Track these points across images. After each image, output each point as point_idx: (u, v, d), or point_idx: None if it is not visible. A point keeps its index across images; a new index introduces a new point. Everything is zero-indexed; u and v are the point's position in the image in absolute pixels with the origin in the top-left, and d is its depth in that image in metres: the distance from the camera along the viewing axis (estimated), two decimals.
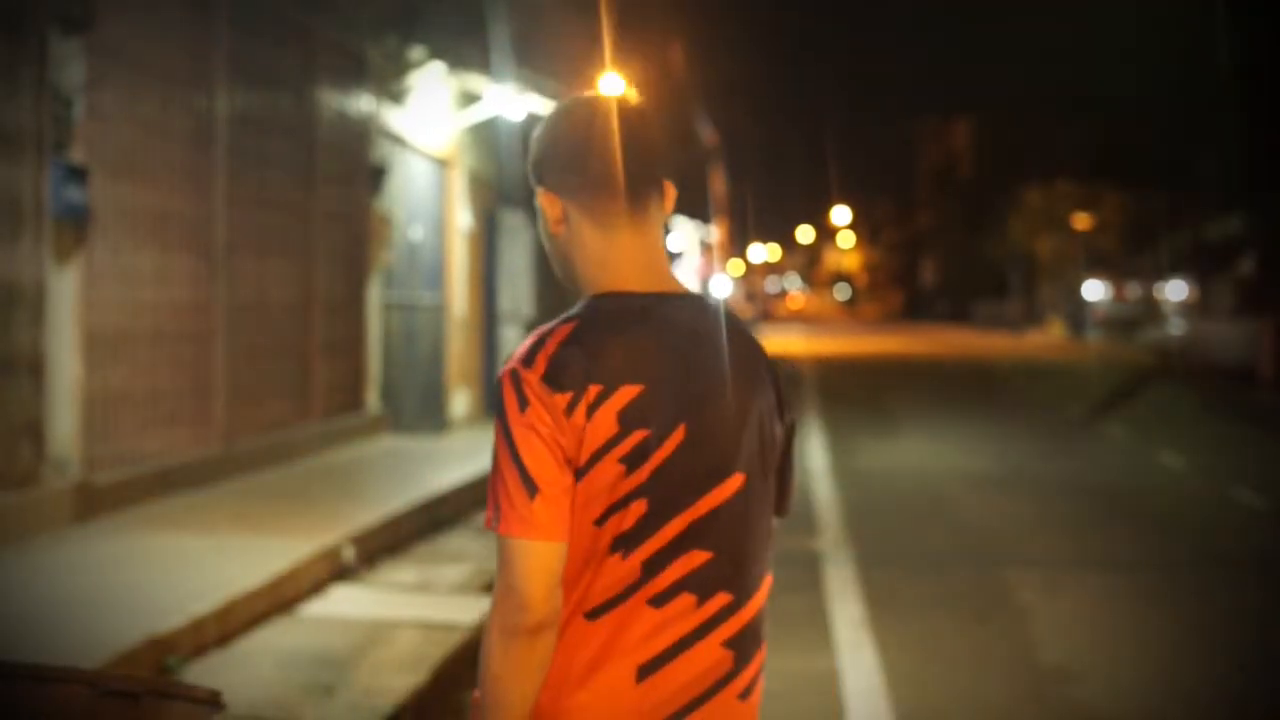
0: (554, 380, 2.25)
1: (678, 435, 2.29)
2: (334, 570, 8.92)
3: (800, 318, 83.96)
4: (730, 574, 2.34)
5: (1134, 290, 58.65)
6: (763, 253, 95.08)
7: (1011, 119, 69.37)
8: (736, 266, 75.84)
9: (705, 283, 51.89)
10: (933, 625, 8.58)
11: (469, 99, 18.43)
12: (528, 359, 2.28)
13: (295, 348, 13.13)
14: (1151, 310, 53.79)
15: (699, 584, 2.31)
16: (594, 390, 2.25)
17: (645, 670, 2.28)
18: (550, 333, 2.31)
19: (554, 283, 24.30)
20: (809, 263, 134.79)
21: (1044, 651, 7.97)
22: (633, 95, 2.51)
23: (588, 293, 2.42)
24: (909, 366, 37.06)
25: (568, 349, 2.27)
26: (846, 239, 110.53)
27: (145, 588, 7.56)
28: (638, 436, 2.26)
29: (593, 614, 2.28)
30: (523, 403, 2.26)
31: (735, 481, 2.35)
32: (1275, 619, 9.00)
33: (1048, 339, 54.80)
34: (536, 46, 20.66)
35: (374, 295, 15.29)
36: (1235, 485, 14.45)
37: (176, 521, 9.59)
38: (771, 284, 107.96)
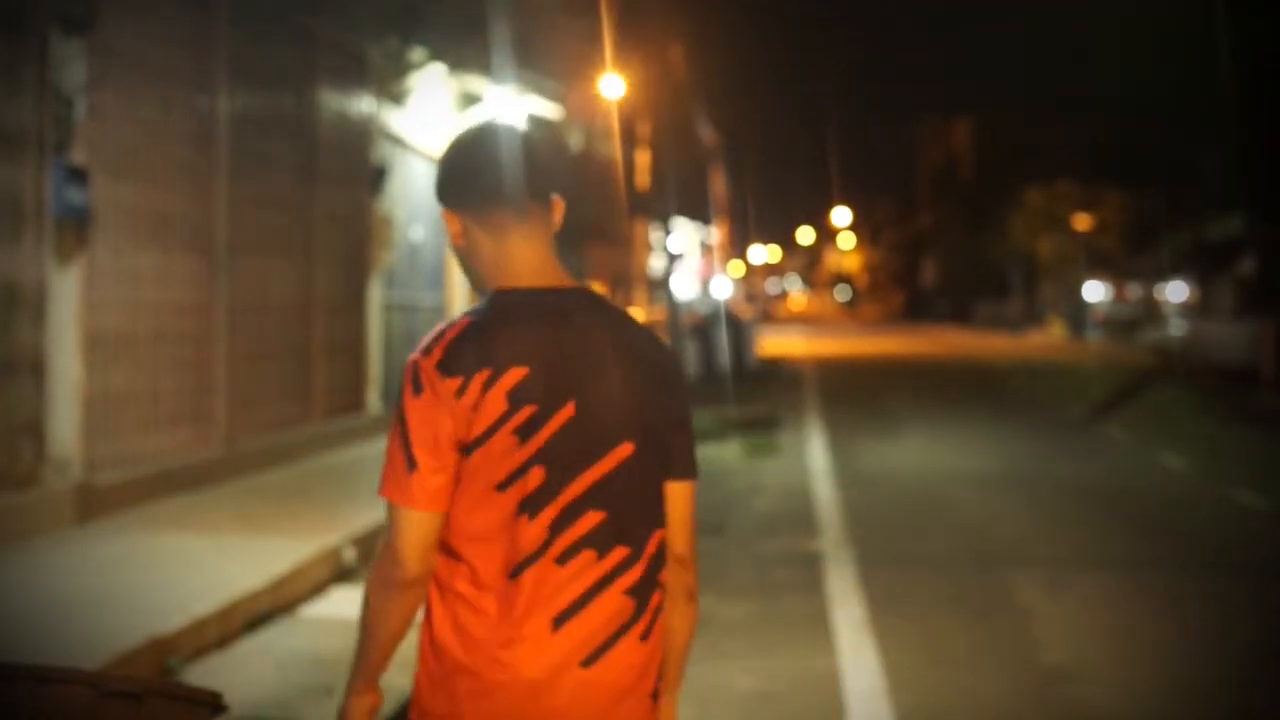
0: (446, 367, 2.59)
1: (567, 410, 2.63)
2: (335, 571, 8.92)
3: (801, 319, 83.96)
4: (625, 531, 2.67)
5: (1134, 291, 58.69)
6: (763, 254, 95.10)
7: (1012, 119, 69.40)
8: (737, 268, 75.84)
9: (705, 284, 51.89)
10: (934, 626, 8.57)
11: (470, 100, 18.45)
12: (426, 349, 2.63)
13: (296, 348, 13.13)
14: (1152, 311, 53.81)
15: (598, 541, 2.64)
16: (483, 374, 2.59)
17: (560, 620, 2.62)
18: (448, 326, 2.67)
19: None
20: (810, 264, 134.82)
21: (1045, 651, 7.97)
22: (530, 118, 2.86)
23: (487, 291, 2.77)
24: (910, 367, 37.06)
25: (461, 339, 2.62)
26: (847, 240, 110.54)
27: (146, 588, 7.56)
28: (527, 411, 2.60)
29: (514, 574, 2.61)
30: (417, 388, 2.61)
31: (625, 449, 2.69)
32: (1277, 619, 9.00)
33: (1048, 339, 54.80)
34: (537, 48, 20.67)
35: (375, 296, 15.29)
36: (1236, 486, 14.44)
37: (177, 522, 9.59)
38: (772, 285, 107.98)
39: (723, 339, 31.19)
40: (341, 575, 8.99)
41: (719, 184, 55.10)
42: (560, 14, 23.84)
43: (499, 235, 2.78)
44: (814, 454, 17.34)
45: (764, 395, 26.51)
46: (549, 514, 2.62)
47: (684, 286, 36.75)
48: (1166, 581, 9.98)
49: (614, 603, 2.67)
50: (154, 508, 10.07)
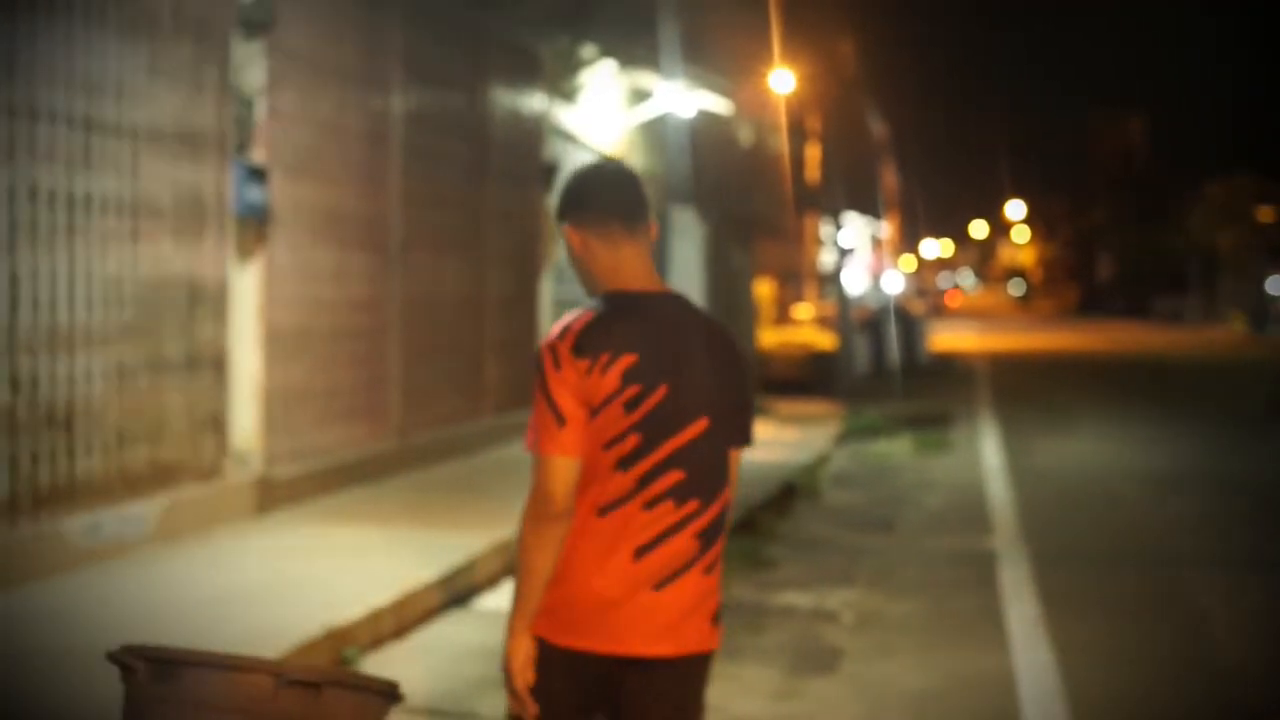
0: (578, 350, 3.28)
1: (662, 390, 3.32)
2: (507, 564, 9.00)
3: (973, 314, 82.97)
4: (698, 487, 3.38)
5: None
6: (935, 248, 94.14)
7: (1189, 111, 67.89)
8: (908, 262, 75.15)
9: (876, 279, 51.51)
10: (1109, 626, 8.43)
11: (639, 96, 18.51)
12: (560, 336, 3.31)
13: (468, 344, 13.28)
14: None
15: (676, 494, 3.35)
16: (604, 357, 3.27)
17: (640, 551, 3.32)
18: (575, 320, 3.33)
19: (725, 279, 24.35)
20: (983, 258, 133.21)
21: (1223, 655, 7.80)
22: (622, 158, 3.54)
23: (601, 293, 3.43)
24: (1084, 363, 36.43)
25: (587, 329, 3.30)
26: (1021, 234, 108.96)
27: (323, 579, 7.70)
28: (634, 390, 3.29)
29: (602, 512, 3.32)
30: (557, 363, 3.29)
31: (702, 424, 3.38)
32: None
33: (1228, 335, 53.51)
34: (706, 43, 20.68)
35: (545, 292, 15.41)
36: None
37: (353, 514, 9.76)
38: (944, 279, 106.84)
39: (892, 334, 30.95)
40: (514, 568, 9.07)
41: (889, 178, 54.67)
42: (730, 9, 23.81)
43: (614, 247, 3.43)
44: (986, 450, 17.14)
45: (935, 391, 26.25)
46: (639, 469, 3.32)
47: (854, 281, 36.53)
48: None
49: (685, 543, 3.36)
50: (330, 500, 10.26)
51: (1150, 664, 7.57)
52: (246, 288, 9.62)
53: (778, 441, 17.26)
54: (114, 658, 2.98)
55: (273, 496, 9.69)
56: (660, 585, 3.34)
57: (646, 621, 3.33)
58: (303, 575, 7.80)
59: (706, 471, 3.40)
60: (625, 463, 3.31)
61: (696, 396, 3.38)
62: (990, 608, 8.84)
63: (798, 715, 6.69)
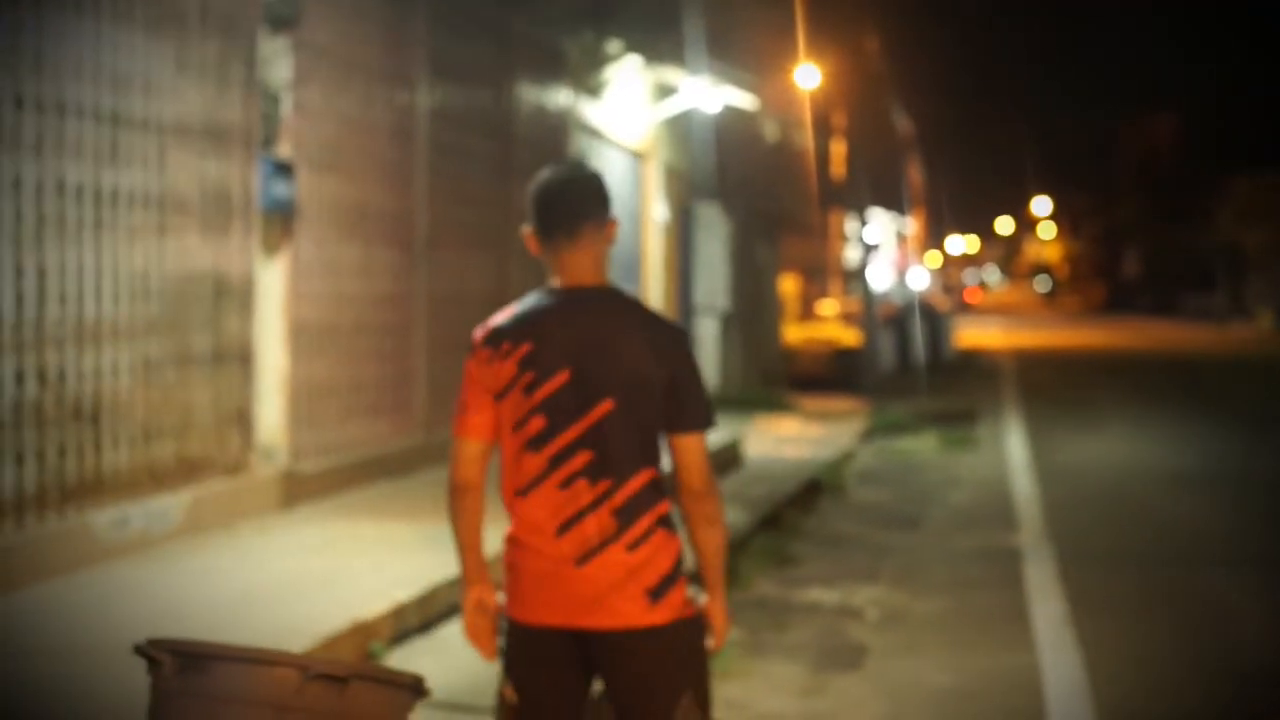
0: (485, 341, 3.66)
1: (563, 375, 3.58)
2: None
3: (999, 310, 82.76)
4: (610, 467, 3.58)
5: None
6: (961, 244, 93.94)
7: (1217, 108, 67.61)
8: (934, 258, 75.00)
9: (901, 275, 51.42)
10: (1136, 625, 8.40)
11: (664, 92, 18.51)
12: (481, 327, 3.70)
13: None
14: None
15: (589, 473, 3.57)
16: (505, 345, 3.61)
17: (561, 529, 3.59)
18: (500, 313, 3.69)
19: (750, 275, 24.34)
20: (1008, 254, 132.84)
21: (1252, 655, 7.77)
22: (580, 164, 3.89)
23: (540, 288, 3.73)
24: (1110, 360, 36.31)
25: (500, 323, 3.66)
26: (1047, 230, 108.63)
27: (349, 573, 7.72)
28: (529, 375, 3.59)
29: (522, 493, 3.64)
30: (471, 352, 3.67)
31: (606, 406, 3.58)
32: None
33: (1256, 333, 53.27)
34: (731, 39, 20.66)
35: None
36: None
37: (378, 509, 9.78)
38: (970, 276, 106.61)
39: (917, 331, 30.88)
40: None
41: (915, 173, 54.57)
42: (755, 5, 23.79)
43: (557, 251, 3.69)
44: (1012, 447, 17.11)
45: (961, 387, 26.21)
46: (549, 450, 3.59)
47: (879, 277, 36.47)
48: None
49: (602, 520, 3.57)
50: (355, 495, 10.28)
51: (1177, 664, 7.54)
52: (272, 282, 9.64)
53: (803, 438, 17.24)
54: (140, 651, 2.99)
55: (298, 491, 9.72)
56: (581, 561, 3.56)
57: (574, 595, 3.56)
58: (328, 570, 7.81)
59: (618, 452, 3.59)
60: (534, 444, 3.60)
61: (603, 381, 3.59)
62: (1016, 606, 8.82)
63: (822, 712, 6.68)
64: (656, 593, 3.60)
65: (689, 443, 3.66)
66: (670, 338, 3.68)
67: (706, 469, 3.68)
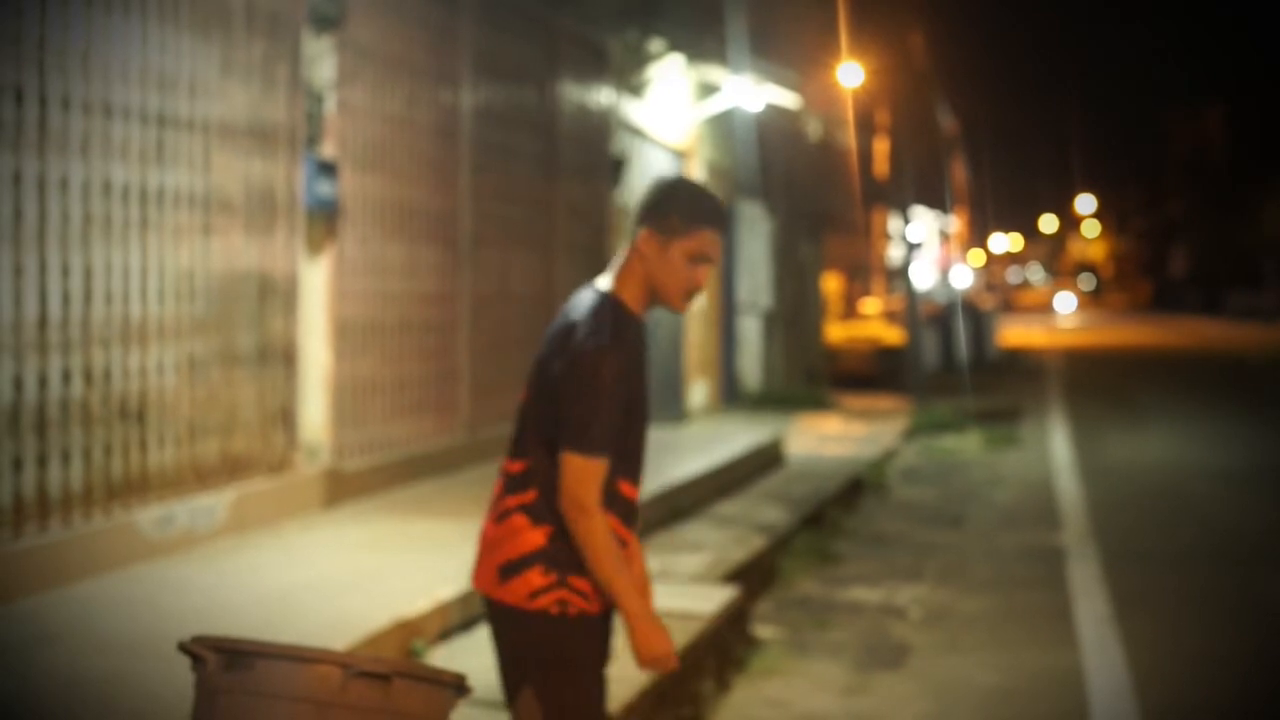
0: None
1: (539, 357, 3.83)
2: None
3: (1043, 308, 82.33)
4: (513, 443, 3.82)
5: None
6: (1005, 242, 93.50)
7: (1269, 102, 67.06)
8: (977, 256, 74.72)
9: (945, 273, 51.24)
10: (1181, 624, 8.37)
11: (707, 90, 18.50)
12: None
13: (536, 338, 13.28)
14: None
15: (509, 447, 3.84)
16: None
17: (491, 518, 3.81)
18: None
19: (793, 273, 24.30)
20: (1052, 252, 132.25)
21: None
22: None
23: None
24: (1156, 358, 36.11)
25: None
26: (1092, 228, 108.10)
27: (392, 571, 7.75)
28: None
29: None
30: None
31: (526, 392, 3.82)
32: None
33: None
34: (774, 37, 20.63)
35: None
36: None
37: (421, 507, 9.81)
38: (1014, 274, 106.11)
39: (960, 329, 30.77)
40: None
41: (959, 172, 54.36)
42: (798, 3, 23.76)
43: None
44: (1056, 446, 17.04)
45: (1004, 386, 26.12)
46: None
47: (923, 276, 36.31)
48: None
49: (498, 487, 3.81)
50: (398, 493, 10.31)
51: (1221, 664, 7.50)
52: (316, 281, 9.68)
53: (845, 436, 17.22)
54: (185, 648, 3.02)
55: (341, 489, 9.76)
56: (490, 521, 3.80)
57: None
58: (371, 568, 7.84)
59: (521, 435, 3.79)
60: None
61: (534, 369, 3.84)
62: (1059, 605, 8.80)
63: (865, 711, 6.68)
64: (504, 571, 3.70)
65: (561, 458, 3.66)
66: (570, 355, 3.71)
67: (571, 491, 3.63)
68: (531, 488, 3.72)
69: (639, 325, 3.87)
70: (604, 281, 3.82)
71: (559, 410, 3.66)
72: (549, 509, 3.69)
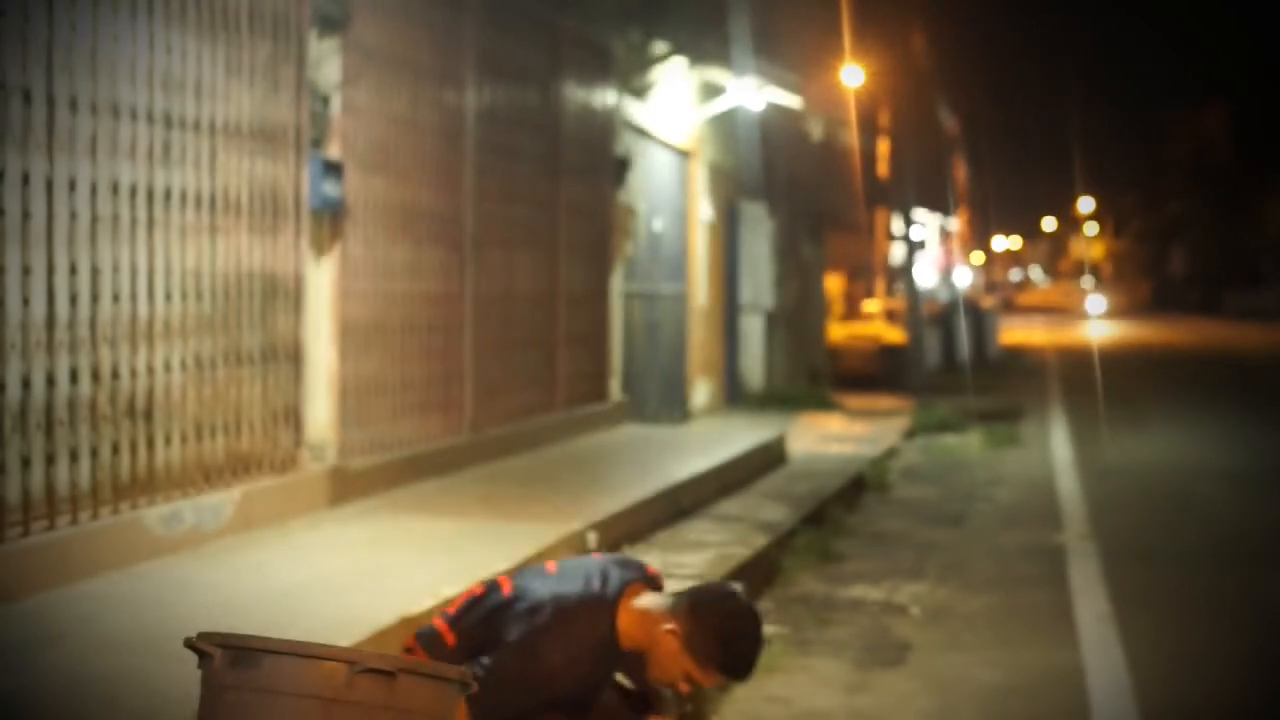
0: None
1: None
2: (577, 555, 9.05)
3: (1044, 308, 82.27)
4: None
5: None
6: (1005, 243, 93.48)
7: (1270, 103, 67.02)
8: (978, 257, 74.69)
9: (946, 273, 51.25)
10: (1182, 623, 8.40)
11: (710, 91, 18.53)
12: None
13: (540, 338, 13.35)
14: None
15: None
16: None
17: None
18: None
19: (795, 273, 24.32)
20: (1053, 252, 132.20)
21: None
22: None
23: None
24: (1156, 358, 36.11)
25: None
26: (1092, 228, 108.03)
27: (397, 569, 7.78)
28: None
29: None
30: None
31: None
32: None
33: None
34: (777, 39, 20.66)
35: (617, 286, 15.46)
36: None
37: (426, 506, 9.85)
38: (1014, 274, 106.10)
39: (962, 329, 30.80)
40: None
41: (960, 173, 54.36)
42: (801, 4, 23.79)
43: None
44: (1057, 445, 17.08)
45: (1006, 385, 26.14)
46: None
47: (924, 276, 36.33)
48: None
49: None
50: (403, 492, 10.35)
51: (1222, 664, 7.54)
52: (321, 281, 9.73)
53: (847, 435, 17.25)
54: (192, 645, 3.06)
55: (347, 488, 9.80)
56: None
57: None
58: (376, 565, 7.88)
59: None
60: None
61: None
62: (1060, 604, 8.83)
63: (866, 708, 6.72)
64: None
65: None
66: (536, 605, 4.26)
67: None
68: None
69: (613, 651, 4.06)
70: (620, 594, 4.12)
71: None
72: None
